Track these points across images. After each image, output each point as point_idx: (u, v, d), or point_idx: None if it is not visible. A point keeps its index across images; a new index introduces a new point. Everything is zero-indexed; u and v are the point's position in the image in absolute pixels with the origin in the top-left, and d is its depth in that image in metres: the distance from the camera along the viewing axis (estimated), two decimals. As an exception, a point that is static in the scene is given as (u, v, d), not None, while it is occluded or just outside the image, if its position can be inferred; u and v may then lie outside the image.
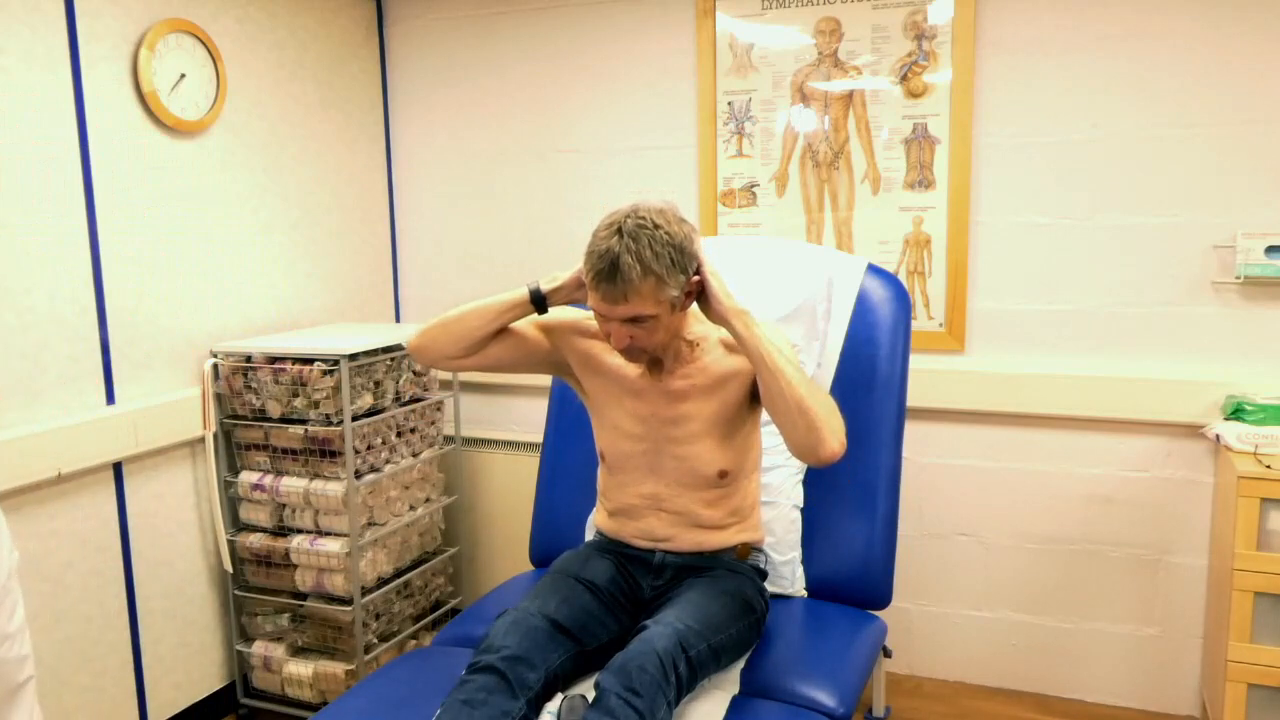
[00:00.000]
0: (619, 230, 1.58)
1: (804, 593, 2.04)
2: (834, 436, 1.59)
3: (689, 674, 1.56)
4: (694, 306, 1.74)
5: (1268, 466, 2.09)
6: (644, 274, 1.57)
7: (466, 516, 3.11)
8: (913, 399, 2.20)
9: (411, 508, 2.73)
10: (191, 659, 2.52)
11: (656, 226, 1.59)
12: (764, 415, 1.77)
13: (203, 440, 2.49)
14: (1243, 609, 2.10)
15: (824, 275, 2.11)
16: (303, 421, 2.45)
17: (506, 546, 3.08)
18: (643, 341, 1.66)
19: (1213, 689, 2.29)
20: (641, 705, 1.45)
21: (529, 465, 2.85)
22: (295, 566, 2.52)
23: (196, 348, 2.48)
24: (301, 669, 2.53)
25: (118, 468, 2.28)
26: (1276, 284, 2.33)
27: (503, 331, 1.82)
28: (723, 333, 1.74)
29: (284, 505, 2.53)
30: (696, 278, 1.66)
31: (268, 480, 2.50)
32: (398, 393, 2.63)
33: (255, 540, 2.53)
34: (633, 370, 1.79)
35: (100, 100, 2.20)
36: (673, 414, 1.77)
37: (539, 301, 1.78)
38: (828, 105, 2.64)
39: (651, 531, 1.82)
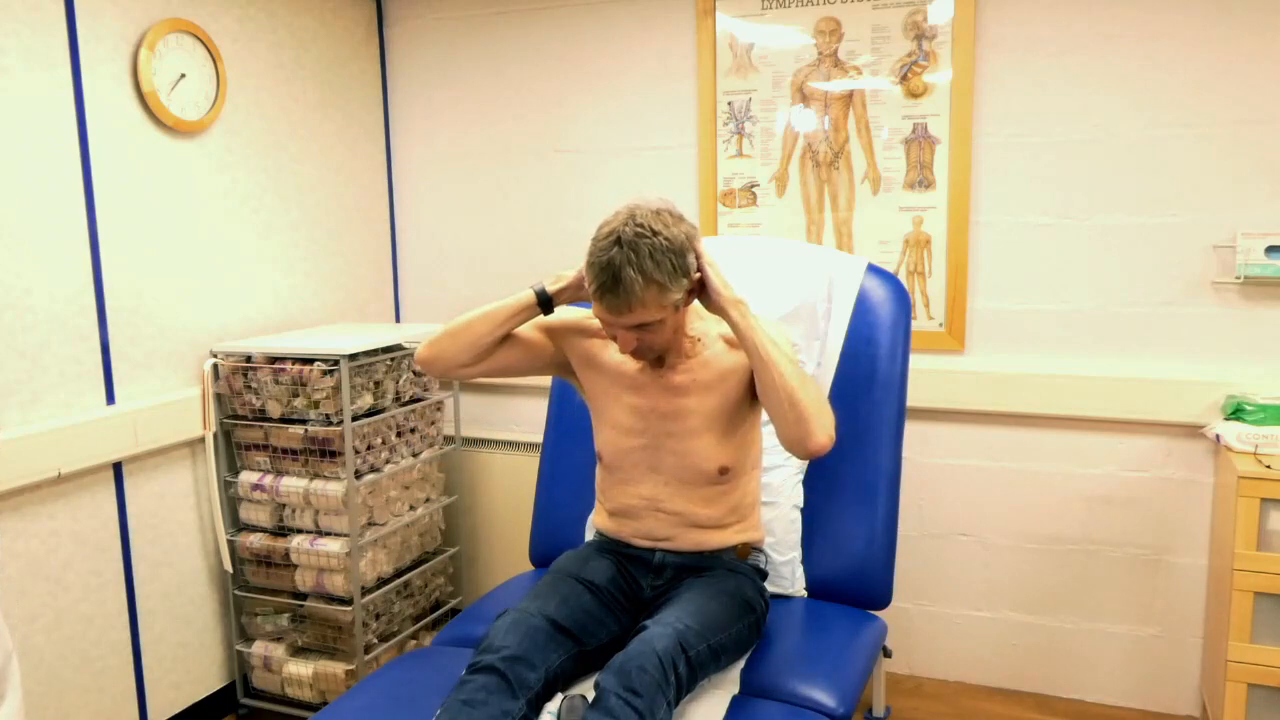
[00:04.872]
0: (618, 240, 1.58)
1: (804, 593, 2.04)
2: (822, 430, 1.62)
3: (689, 674, 1.56)
4: (695, 303, 1.75)
5: (1268, 466, 2.09)
6: (646, 284, 1.58)
7: (466, 516, 3.11)
8: (913, 399, 2.20)
9: (411, 508, 2.73)
10: (191, 659, 2.52)
11: (655, 233, 1.59)
12: (764, 414, 1.78)
13: (203, 440, 2.49)
14: (1243, 609, 2.10)
15: (824, 275, 2.11)
16: (303, 421, 2.45)
17: (506, 546, 3.08)
18: (650, 343, 1.68)
19: (1213, 689, 2.29)
20: (641, 705, 1.45)
21: (529, 465, 2.85)
22: (295, 566, 2.52)
23: (196, 348, 2.48)
24: (301, 669, 2.53)
25: (118, 468, 2.29)
26: (1276, 284, 2.33)
27: (508, 338, 1.82)
28: (724, 328, 1.75)
29: (284, 505, 2.53)
30: (698, 275, 1.67)
31: (268, 480, 2.50)
32: (398, 393, 2.63)
33: (255, 540, 2.53)
34: (633, 365, 1.80)
35: (100, 100, 2.20)
36: (672, 408, 1.78)
37: (545, 303, 1.79)
38: (828, 105, 2.64)
39: (651, 532, 1.82)
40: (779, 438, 1.67)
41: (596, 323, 1.83)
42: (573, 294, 1.79)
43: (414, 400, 2.71)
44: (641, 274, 1.57)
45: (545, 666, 1.58)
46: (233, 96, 2.54)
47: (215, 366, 2.48)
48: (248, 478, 2.52)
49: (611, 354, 1.83)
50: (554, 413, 2.31)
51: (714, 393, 1.76)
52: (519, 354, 1.84)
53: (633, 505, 1.83)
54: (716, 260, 1.71)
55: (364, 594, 2.52)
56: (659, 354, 1.75)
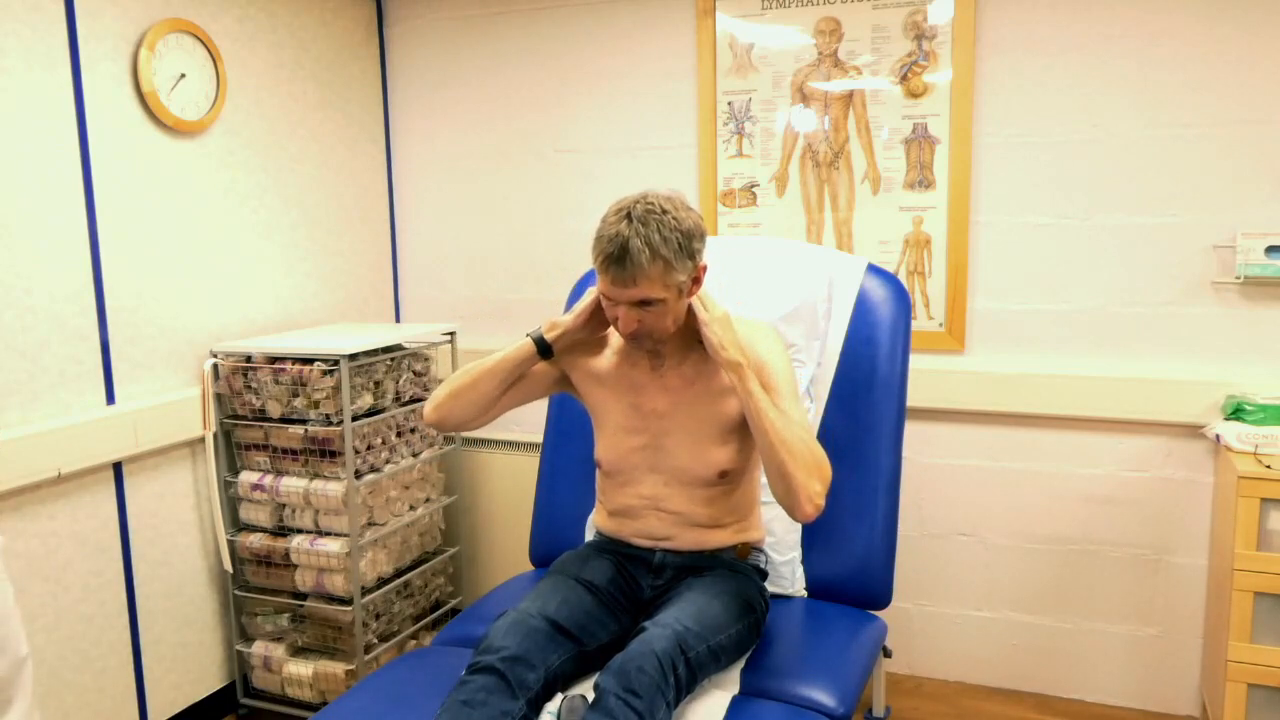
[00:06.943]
0: (628, 215, 1.61)
1: (804, 593, 2.04)
2: (809, 502, 1.61)
3: (688, 675, 1.56)
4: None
5: (1268, 466, 2.09)
6: (652, 258, 1.59)
7: (466, 516, 3.11)
8: (913, 399, 2.20)
9: (411, 508, 2.73)
10: (191, 659, 2.52)
11: (665, 212, 1.61)
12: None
13: (203, 440, 2.49)
14: (1243, 609, 2.10)
15: (824, 275, 2.11)
16: (303, 421, 2.45)
17: (506, 546, 3.08)
18: (650, 326, 1.68)
19: (1213, 689, 2.29)
20: (641, 706, 1.45)
21: (529, 465, 2.85)
22: (295, 566, 2.52)
23: (196, 348, 2.48)
24: (301, 669, 2.53)
25: (118, 468, 2.29)
26: (1276, 284, 2.33)
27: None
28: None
29: (284, 505, 2.53)
30: (704, 264, 1.69)
31: (268, 480, 2.50)
32: (398, 393, 2.63)
33: (255, 540, 2.53)
34: (632, 367, 1.80)
35: (100, 100, 2.20)
36: (672, 409, 1.78)
37: (544, 350, 1.81)
38: (828, 105, 2.64)
39: (651, 531, 1.82)
40: (772, 494, 1.67)
41: (593, 338, 1.85)
42: (570, 337, 1.81)
43: (414, 400, 2.71)
44: (649, 246, 1.58)
45: (545, 667, 1.58)
46: (233, 96, 2.54)
47: (215, 366, 2.48)
48: (248, 478, 2.52)
49: (609, 355, 1.84)
50: (554, 413, 2.31)
51: (714, 396, 1.76)
52: (525, 391, 1.86)
53: (633, 505, 1.83)
54: (716, 302, 1.75)
55: (364, 594, 2.52)
56: (657, 344, 1.75)
